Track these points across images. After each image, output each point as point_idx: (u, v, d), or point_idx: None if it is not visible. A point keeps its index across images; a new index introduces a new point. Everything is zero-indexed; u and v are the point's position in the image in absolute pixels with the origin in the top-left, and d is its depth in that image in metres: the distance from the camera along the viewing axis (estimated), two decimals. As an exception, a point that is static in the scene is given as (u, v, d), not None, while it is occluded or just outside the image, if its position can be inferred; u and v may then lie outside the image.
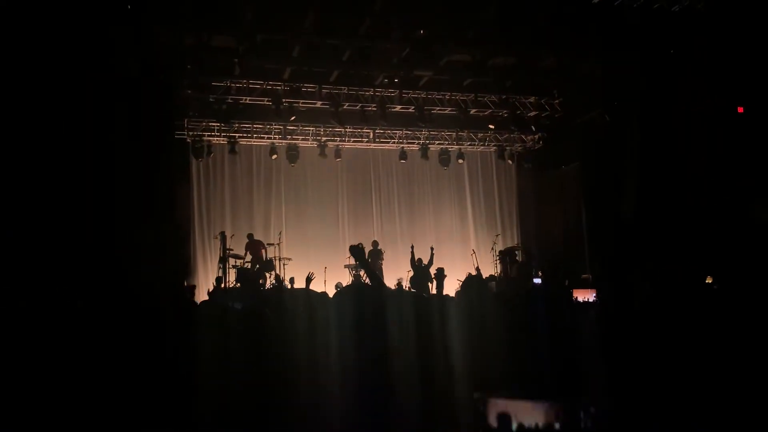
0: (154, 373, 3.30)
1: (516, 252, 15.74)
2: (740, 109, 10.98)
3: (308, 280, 8.09)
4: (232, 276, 13.47)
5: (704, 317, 3.83)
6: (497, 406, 2.94)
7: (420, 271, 12.86)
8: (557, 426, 2.83)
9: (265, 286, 12.96)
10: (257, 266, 13.72)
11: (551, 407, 2.88)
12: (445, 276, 7.10)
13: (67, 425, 2.97)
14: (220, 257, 13.67)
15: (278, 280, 13.22)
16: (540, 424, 2.85)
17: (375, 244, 14.83)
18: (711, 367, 3.36)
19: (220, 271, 13.45)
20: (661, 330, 3.72)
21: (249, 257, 13.98)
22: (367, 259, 11.17)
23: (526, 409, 2.89)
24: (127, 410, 3.07)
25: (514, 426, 2.86)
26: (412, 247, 13.27)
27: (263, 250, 14.19)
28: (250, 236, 14.34)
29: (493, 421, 2.93)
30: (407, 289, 12.32)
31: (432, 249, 13.19)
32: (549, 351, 3.41)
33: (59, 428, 2.93)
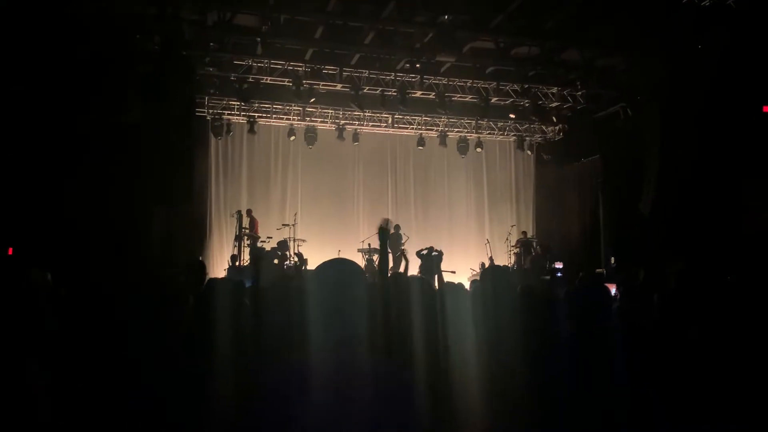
0: (169, 350, 3.35)
1: (532, 243, 15.68)
2: (765, 108, 10.78)
3: None
4: (246, 254, 13.60)
5: (724, 314, 3.81)
6: None
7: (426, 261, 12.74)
8: None
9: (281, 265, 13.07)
10: (267, 246, 13.81)
11: None
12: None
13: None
14: (235, 235, 13.77)
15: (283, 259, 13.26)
16: None
17: (397, 227, 14.60)
18: (730, 362, 3.34)
19: (236, 249, 13.57)
20: (684, 325, 3.70)
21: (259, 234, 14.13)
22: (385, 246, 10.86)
23: None
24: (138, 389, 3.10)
25: None
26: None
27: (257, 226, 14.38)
28: (249, 212, 14.42)
29: None
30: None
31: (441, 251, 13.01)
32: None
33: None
